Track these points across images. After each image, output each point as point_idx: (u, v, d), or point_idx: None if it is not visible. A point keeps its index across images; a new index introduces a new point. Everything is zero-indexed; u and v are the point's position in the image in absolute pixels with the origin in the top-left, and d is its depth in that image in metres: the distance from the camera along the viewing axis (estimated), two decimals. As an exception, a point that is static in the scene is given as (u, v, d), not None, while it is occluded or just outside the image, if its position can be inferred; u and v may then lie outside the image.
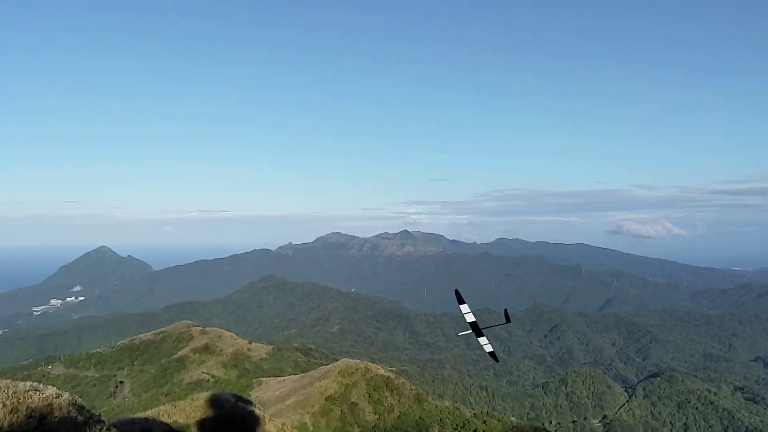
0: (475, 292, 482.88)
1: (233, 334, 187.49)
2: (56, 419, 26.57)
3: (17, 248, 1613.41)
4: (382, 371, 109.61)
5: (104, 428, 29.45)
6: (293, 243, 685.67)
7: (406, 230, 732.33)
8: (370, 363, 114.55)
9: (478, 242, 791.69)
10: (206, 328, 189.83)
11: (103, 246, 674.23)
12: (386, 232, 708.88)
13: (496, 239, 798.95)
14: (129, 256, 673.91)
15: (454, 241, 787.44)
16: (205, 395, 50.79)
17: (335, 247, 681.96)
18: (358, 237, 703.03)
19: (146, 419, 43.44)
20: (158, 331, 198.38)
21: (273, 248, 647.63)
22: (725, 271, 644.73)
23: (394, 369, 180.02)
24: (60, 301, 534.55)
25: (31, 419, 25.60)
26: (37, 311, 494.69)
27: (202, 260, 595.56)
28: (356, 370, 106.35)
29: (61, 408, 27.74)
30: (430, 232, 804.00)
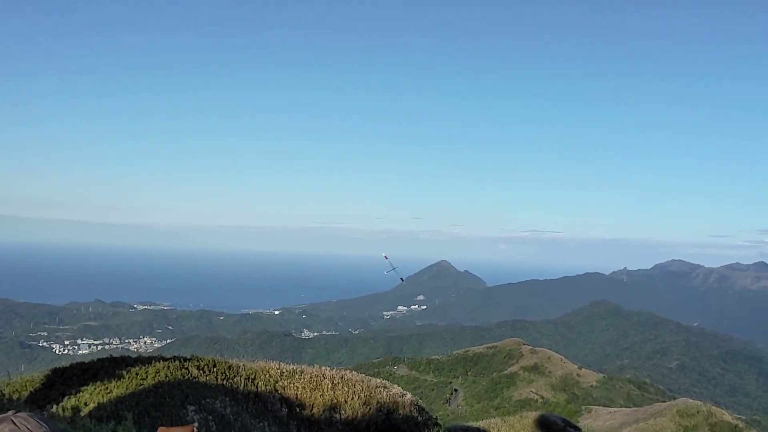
0: None
1: (563, 357, 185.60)
2: (400, 416, 29.78)
3: (375, 257, 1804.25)
4: (728, 417, 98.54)
5: (440, 431, 32.04)
6: (628, 268, 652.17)
7: (763, 262, 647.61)
8: (713, 406, 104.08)
9: None
10: (536, 348, 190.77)
11: (443, 260, 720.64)
12: (738, 263, 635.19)
13: None
14: (466, 270, 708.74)
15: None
16: (534, 414, 51.51)
17: (675, 276, 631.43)
18: (702, 266, 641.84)
19: (478, 429, 45.73)
20: (490, 345, 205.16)
21: (606, 272, 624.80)
22: None
23: (744, 417, 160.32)
24: (406, 308, 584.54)
25: (380, 413, 29.11)
26: (387, 315, 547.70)
27: (533, 280, 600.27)
28: (697, 412, 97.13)
29: (404, 406, 31.00)
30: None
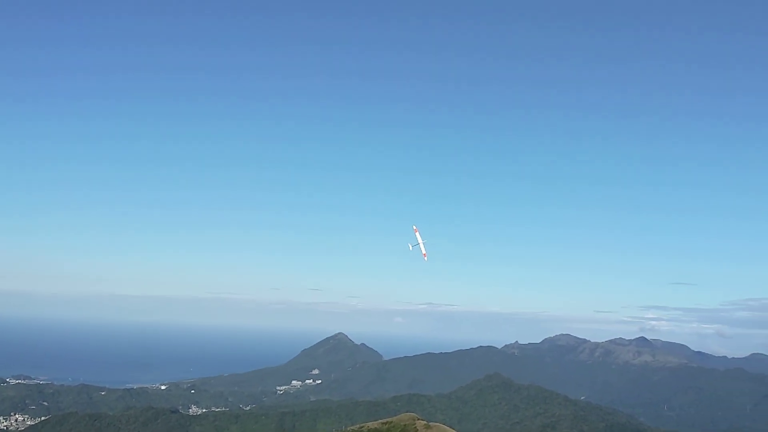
0: (725, 413, 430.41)
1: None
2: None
3: (271, 329, 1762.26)
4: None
5: None
6: (519, 342, 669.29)
7: (643, 337, 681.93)
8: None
9: (729, 356, 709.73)
10: (431, 423, 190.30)
11: (340, 333, 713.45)
12: (621, 338, 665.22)
13: (751, 354, 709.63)
14: (362, 343, 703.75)
15: (699, 352, 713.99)
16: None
17: (564, 350, 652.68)
18: (589, 341, 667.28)
19: None
20: (385, 420, 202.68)
21: (499, 346, 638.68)
22: None
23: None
24: (300, 383, 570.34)
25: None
26: (280, 390, 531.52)
27: (429, 353, 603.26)
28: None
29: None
30: (670, 341, 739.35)
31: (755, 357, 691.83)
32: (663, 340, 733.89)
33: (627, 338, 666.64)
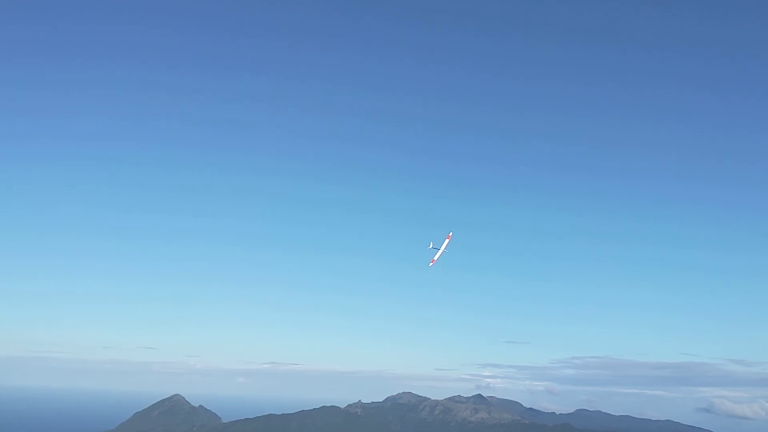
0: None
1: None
2: None
3: (99, 391, 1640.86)
4: None
5: None
6: (363, 401, 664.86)
7: (480, 394, 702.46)
8: None
9: (557, 412, 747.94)
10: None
11: (177, 394, 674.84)
12: (459, 395, 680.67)
13: (577, 410, 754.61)
14: (201, 405, 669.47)
15: (531, 409, 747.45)
16: None
17: (406, 409, 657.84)
18: (429, 399, 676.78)
19: None
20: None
21: (342, 405, 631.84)
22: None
23: None
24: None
25: None
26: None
27: (271, 414, 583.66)
28: None
29: None
30: (505, 398, 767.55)
31: (580, 412, 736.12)
32: (498, 397, 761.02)
33: (465, 395, 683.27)
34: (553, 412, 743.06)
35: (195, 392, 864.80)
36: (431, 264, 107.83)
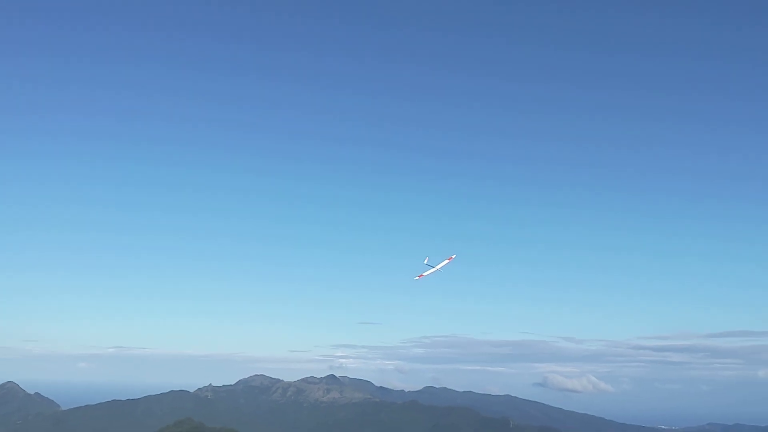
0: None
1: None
2: None
3: None
4: None
5: None
6: (213, 385, 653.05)
7: (332, 375, 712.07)
8: None
9: (406, 390, 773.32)
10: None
11: (9, 381, 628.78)
12: (312, 376, 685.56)
13: (425, 387, 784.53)
14: (36, 393, 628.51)
15: (381, 387, 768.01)
16: None
17: (258, 391, 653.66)
18: (282, 380, 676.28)
19: None
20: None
21: (191, 389, 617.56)
22: (653, 429, 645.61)
23: None
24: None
25: None
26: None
27: (115, 400, 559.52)
28: None
29: None
30: (357, 378, 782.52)
31: (428, 390, 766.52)
32: (350, 377, 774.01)
33: (318, 376, 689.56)
34: (402, 390, 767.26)
35: (32, 378, 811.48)
36: (418, 278, 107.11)
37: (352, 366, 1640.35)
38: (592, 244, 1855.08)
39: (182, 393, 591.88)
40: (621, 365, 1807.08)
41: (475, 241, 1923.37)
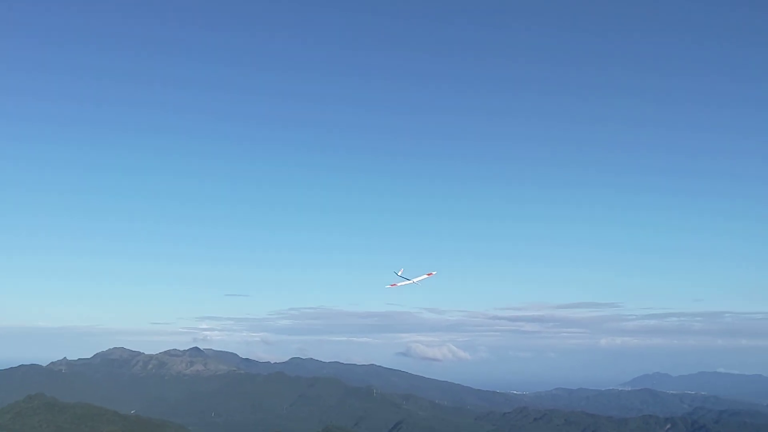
0: (267, 414, 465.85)
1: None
2: None
3: None
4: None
5: None
6: (68, 358, 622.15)
7: (196, 347, 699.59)
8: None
9: (272, 361, 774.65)
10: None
11: None
12: (175, 349, 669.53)
13: (291, 358, 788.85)
14: None
15: (247, 359, 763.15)
16: None
17: (117, 364, 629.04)
18: (143, 353, 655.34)
19: None
20: None
21: (44, 363, 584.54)
22: (506, 395, 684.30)
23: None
24: None
25: None
26: None
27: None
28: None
29: None
30: (222, 350, 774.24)
31: (294, 361, 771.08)
32: (215, 349, 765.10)
33: (181, 349, 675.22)
34: (268, 362, 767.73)
35: None
36: (390, 286, 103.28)
37: (217, 338, 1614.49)
38: (451, 219, 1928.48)
39: (34, 367, 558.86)
40: (479, 335, 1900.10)
41: (343, 213, 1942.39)
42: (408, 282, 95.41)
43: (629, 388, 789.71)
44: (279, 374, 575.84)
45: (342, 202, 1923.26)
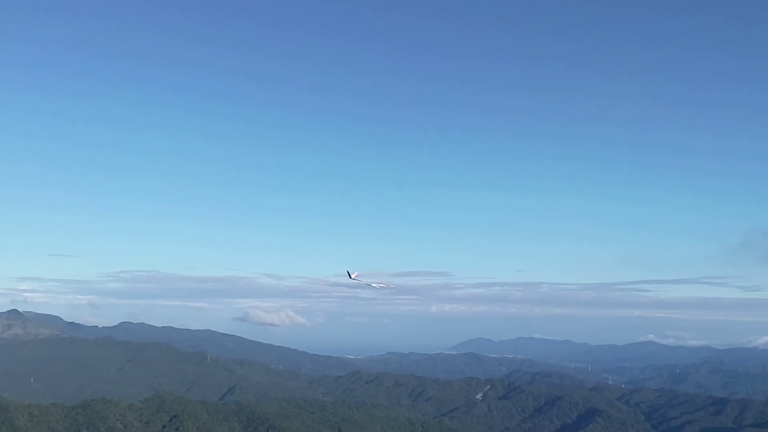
0: (94, 380, 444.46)
1: None
2: None
3: None
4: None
5: None
6: None
7: (15, 309, 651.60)
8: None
9: (100, 325, 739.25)
10: None
11: None
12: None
13: (121, 323, 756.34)
14: None
15: (72, 323, 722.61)
16: None
17: None
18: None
19: None
20: None
21: None
22: (340, 359, 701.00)
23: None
24: None
25: None
26: None
27: None
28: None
29: None
30: (45, 313, 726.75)
31: (123, 325, 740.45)
32: (37, 312, 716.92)
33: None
34: (96, 326, 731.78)
35: None
36: (351, 278, 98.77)
37: (40, 301, 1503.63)
38: (291, 187, 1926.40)
39: None
40: (317, 301, 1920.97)
41: (182, 171, 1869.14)
42: (365, 282, 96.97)
43: (455, 352, 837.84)
44: (107, 339, 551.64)
45: (180, 160, 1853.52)
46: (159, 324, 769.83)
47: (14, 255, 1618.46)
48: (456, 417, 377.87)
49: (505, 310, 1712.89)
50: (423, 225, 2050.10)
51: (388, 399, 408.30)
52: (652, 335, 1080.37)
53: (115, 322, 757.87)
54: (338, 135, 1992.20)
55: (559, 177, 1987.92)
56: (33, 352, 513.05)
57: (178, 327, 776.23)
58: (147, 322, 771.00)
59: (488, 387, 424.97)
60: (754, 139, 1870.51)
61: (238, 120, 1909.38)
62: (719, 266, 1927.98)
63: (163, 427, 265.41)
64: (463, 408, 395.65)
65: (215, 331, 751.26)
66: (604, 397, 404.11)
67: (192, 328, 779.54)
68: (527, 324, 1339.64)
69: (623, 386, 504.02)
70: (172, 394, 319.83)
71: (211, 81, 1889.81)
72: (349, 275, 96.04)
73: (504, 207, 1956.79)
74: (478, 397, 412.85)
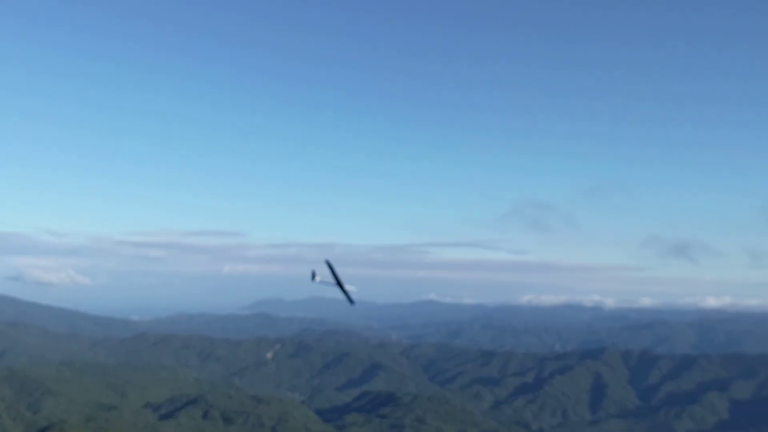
0: None
1: None
2: None
3: None
4: None
5: None
6: None
7: None
8: None
9: None
10: None
11: None
12: None
13: None
14: None
15: None
16: None
17: None
18: None
19: None
20: None
21: None
22: (125, 321, 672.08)
23: None
24: None
25: None
26: None
27: None
28: None
29: None
30: None
31: None
32: None
33: None
34: None
35: None
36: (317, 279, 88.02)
37: None
38: (77, 142, 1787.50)
39: None
40: (102, 259, 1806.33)
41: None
42: (335, 285, 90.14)
43: (247, 313, 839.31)
44: None
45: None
46: None
47: None
48: (245, 376, 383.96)
49: (299, 271, 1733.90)
50: (215, 184, 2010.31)
51: (176, 360, 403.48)
52: (433, 294, 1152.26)
53: None
54: (120, 89, 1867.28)
55: (346, 138, 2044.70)
56: None
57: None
58: None
59: (278, 345, 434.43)
60: (521, 116, 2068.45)
61: None
62: (492, 231, 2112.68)
63: None
64: (253, 367, 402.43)
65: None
66: (387, 353, 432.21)
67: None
68: (319, 284, 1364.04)
69: (405, 341, 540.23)
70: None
71: None
72: (313, 277, 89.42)
73: (301, 170, 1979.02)
74: (268, 355, 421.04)
